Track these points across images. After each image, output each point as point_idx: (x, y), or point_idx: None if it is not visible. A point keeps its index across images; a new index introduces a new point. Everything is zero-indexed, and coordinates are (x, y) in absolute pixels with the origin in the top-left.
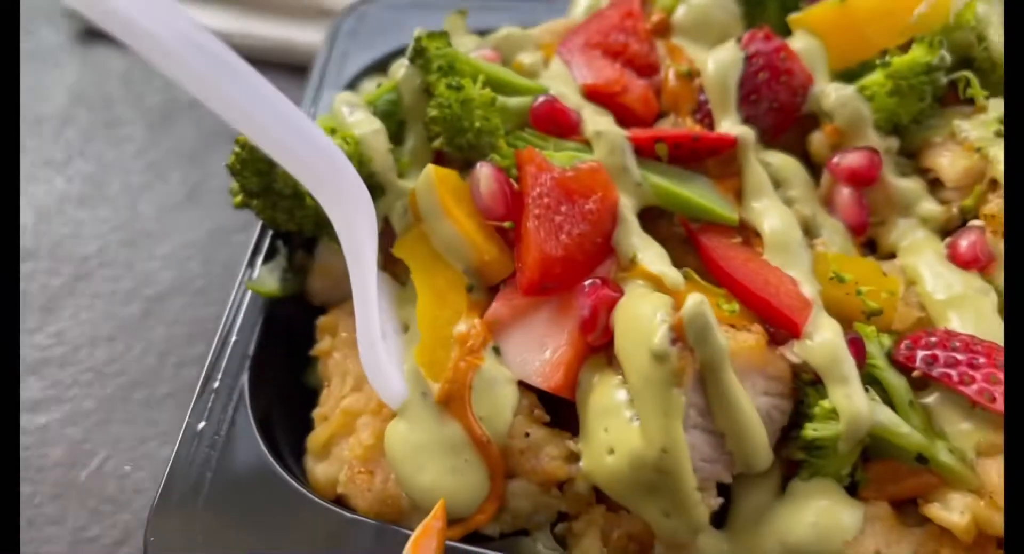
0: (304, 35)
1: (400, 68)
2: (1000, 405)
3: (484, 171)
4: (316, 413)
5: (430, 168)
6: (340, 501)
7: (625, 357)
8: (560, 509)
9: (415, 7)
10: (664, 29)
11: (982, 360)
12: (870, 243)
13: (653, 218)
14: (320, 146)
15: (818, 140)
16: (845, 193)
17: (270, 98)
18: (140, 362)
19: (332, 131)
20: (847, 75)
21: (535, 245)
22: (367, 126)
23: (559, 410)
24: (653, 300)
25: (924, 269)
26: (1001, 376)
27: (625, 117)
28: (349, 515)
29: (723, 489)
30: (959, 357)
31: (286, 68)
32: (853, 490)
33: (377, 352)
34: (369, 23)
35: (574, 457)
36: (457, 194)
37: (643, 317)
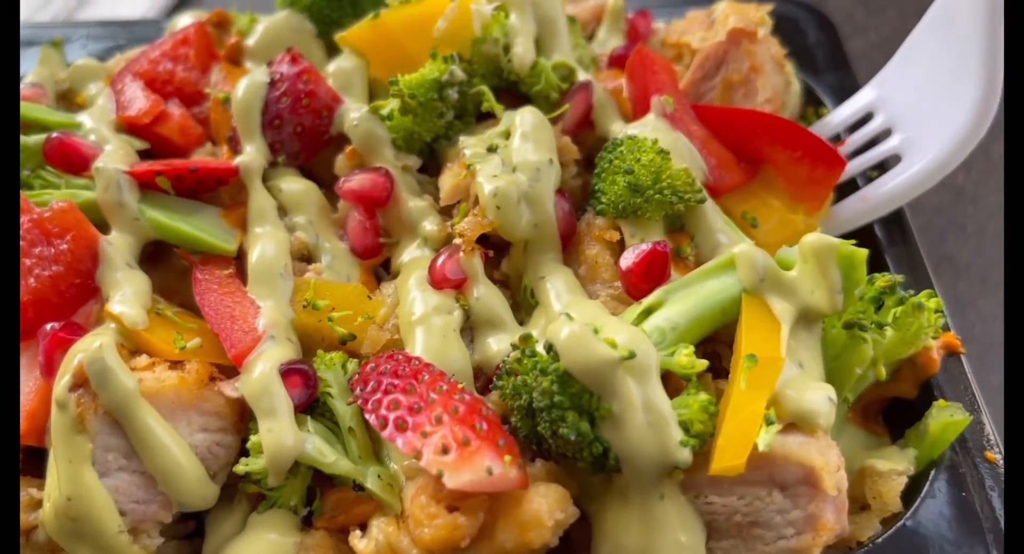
0: None
1: None
2: (389, 433)
3: None
4: None
5: None
6: None
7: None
8: None
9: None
10: (237, 53)
11: (397, 382)
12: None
13: (166, 252)
14: None
15: (340, 162)
16: (353, 215)
17: None
18: None
19: None
20: None
21: None
22: None
23: None
24: (87, 344)
25: (406, 290)
26: (403, 400)
27: (163, 147)
28: None
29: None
30: (384, 381)
31: None
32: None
33: None
34: None
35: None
36: None
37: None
